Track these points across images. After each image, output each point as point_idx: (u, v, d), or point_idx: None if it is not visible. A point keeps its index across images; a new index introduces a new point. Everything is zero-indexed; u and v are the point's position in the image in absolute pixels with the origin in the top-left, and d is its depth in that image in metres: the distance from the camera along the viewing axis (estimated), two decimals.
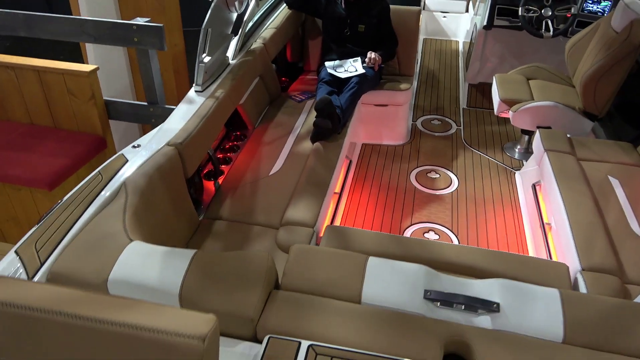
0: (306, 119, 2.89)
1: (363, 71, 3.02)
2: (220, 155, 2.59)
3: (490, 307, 1.29)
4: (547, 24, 3.35)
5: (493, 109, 3.36)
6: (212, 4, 2.34)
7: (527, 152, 3.29)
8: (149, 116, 2.63)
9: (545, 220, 2.44)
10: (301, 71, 3.62)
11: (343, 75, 2.98)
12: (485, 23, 3.64)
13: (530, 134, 3.23)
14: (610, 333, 1.25)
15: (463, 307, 1.31)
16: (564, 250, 2.05)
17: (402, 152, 3.38)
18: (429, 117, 3.79)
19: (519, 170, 3.17)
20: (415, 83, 3.94)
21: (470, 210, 2.82)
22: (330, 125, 2.58)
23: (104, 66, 3.02)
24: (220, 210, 2.16)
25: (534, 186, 2.69)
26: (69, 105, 2.60)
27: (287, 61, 3.55)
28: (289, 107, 3.04)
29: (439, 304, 1.32)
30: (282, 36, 3.18)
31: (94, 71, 2.50)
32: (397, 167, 3.21)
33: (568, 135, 2.67)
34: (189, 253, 1.39)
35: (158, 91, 2.53)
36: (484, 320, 1.29)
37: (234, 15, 2.59)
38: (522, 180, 3.04)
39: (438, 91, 4.15)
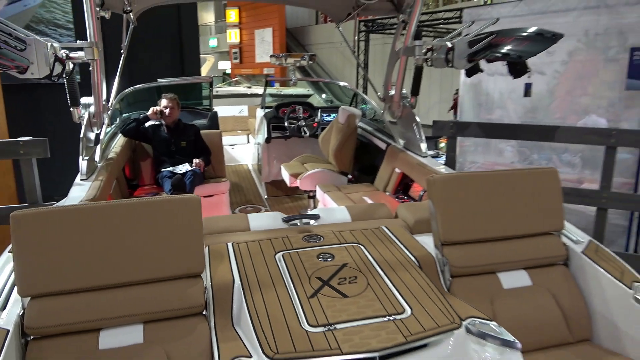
0: None
1: (193, 168, 4.18)
2: None
3: (314, 217, 2.48)
4: (304, 130, 5.18)
5: (288, 195, 4.78)
6: (83, 125, 3.29)
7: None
8: None
9: None
10: (138, 186, 4.53)
11: (181, 171, 4.08)
12: (265, 137, 5.29)
13: (314, 196, 4.76)
14: (369, 213, 2.58)
15: (303, 221, 2.47)
16: None
17: None
18: (244, 206, 5.05)
19: None
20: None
21: None
22: None
23: None
24: None
25: None
26: None
27: (127, 177, 4.45)
28: None
29: (289, 222, 2.45)
30: (125, 152, 4.14)
31: None
32: None
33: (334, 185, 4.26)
34: None
35: (38, 191, 3.17)
36: (314, 223, 2.47)
37: (94, 134, 3.53)
38: None
39: (244, 191, 5.51)
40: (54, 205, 2.38)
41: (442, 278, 2.06)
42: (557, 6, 6.83)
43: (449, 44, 3.30)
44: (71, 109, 3.32)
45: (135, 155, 4.56)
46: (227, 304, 1.81)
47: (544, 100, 7.11)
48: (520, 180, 2.19)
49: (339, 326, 1.60)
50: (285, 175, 4.70)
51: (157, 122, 4.42)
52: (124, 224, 1.73)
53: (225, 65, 28.91)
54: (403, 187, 4.09)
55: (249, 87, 15.10)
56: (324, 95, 10.85)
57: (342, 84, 6.17)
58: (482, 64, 3.33)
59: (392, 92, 3.98)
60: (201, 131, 4.66)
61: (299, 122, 5.20)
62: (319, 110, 5.48)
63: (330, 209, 2.66)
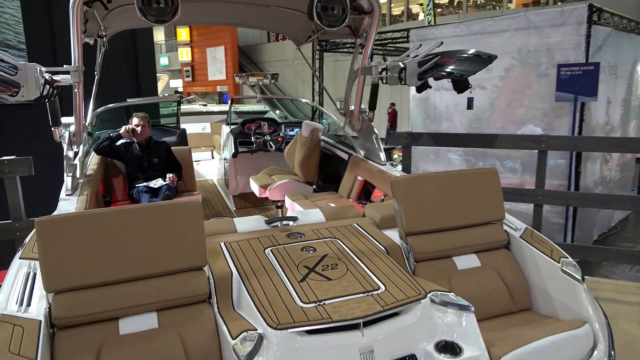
0: None
1: (167, 182, 4.40)
2: None
3: (293, 219, 2.79)
4: (270, 144, 5.49)
5: (256, 206, 5.05)
6: (65, 144, 3.47)
7: None
8: (14, 230, 3.30)
9: None
10: (110, 203, 4.67)
11: (156, 185, 4.28)
12: (233, 152, 5.56)
13: (282, 206, 5.06)
14: (341, 214, 2.92)
15: (283, 222, 2.77)
16: None
17: None
18: (214, 218, 5.27)
19: None
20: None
21: None
22: None
23: None
24: None
25: None
26: None
27: (101, 194, 4.58)
28: None
29: (271, 224, 2.74)
30: (99, 170, 4.30)
31: None
32: None
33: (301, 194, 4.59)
34: None
35: (22, 208, 3.31)
36: (293, 224, 2.77)
37: (73, 152, 3.70)
38: None
39: (213, 204, 5.73)
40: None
41: (407, 263, 2.42)
42: (492, 27, 7.54)
43: (401, 64, 3.73)
44: (52, 129, 3.50)
45: (107, 173, 4.71)
46: (227, 292, 2.09)
47: (486, 112, 7.77)
48: (468, 179, 2.60)
49: (327, 302, 1.92)
50: (255, 187, 4.97)
51: (128, 140, 4.61)
52: (136, 225, 1.98)
53: (177, 84, 28.79)
54: (365, 194, 4.47)
55: (205, 105, 15.27)
56: (277, 112, 11.29)
57: (304, 100, 6.56)
58: (430, 80, 3.79)
59: (352, 107, 4.37)
60: (172, 147, 4.88)
61: (265, 137, 5.51)
62: (282, 125, 5.81)
63: (306, 211, 2.98)
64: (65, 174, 3.32)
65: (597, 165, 7.19)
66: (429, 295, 2.02)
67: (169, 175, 4.50)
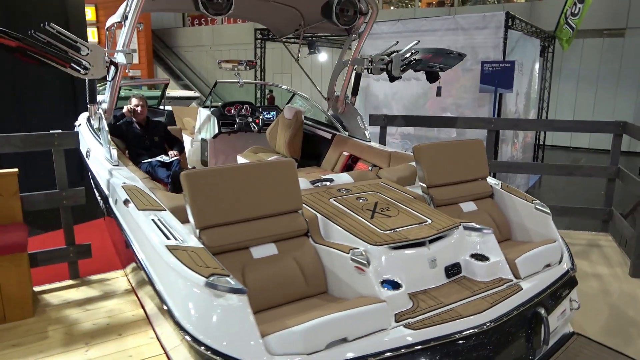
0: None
1: (173, 158, 4.80)
2: None
3: (330, 180, 3.47)
4: (252, 125, 6.02)
5: None
6: (103, 120, 3.79)
7: None
8: (60, 199, 3.57)
9: None
10: None
11: (167, 160, 4.67)
12: (215, 133, 5.99)
13: None
14: (363, 176, 3.67)
15: (323, 182, 3.43)
16: None
17: None
18: None
19: None
20: None
21: None
22: None
23: None
24: None
25: None
26: None
27: None
28: None
29: (314, 184, 3.40)
30: None
31: (15, 172, 3.33)
32: None
33: None
34: None
35: (65, 178, 3.58)
36: (330, 184, 3.45)
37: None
38: None
39: None
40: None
41: None
42: (426, 27, 8.66)
43: (387, 58, 4.54)
44: (88, 105, 3.80)
45: None
46: (316, 229, 2.75)
47: (420, 101, 8.92)
48: (465, 146, 3.49)
49: (398, 229, 2.67)
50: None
51: (128, 120, 4.90)
52: (253, 178, 2.56)
53: None
54: (347, 167, 5.24)
55: (130, 90, 14.91)
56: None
57: (284, 87, 7.11)
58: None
59: (337, 92, 5.10)
60: (171, 127, 5.24)
61: (247, 119, 6.03)
62: (260, 108, 6.36)
63: (336, 175, 3.66)
64: (108, 147, 3.65)
65: (509, 147, 8.69)
66: (461, 224, 2.85)
67: (173, 152, 4.88)
